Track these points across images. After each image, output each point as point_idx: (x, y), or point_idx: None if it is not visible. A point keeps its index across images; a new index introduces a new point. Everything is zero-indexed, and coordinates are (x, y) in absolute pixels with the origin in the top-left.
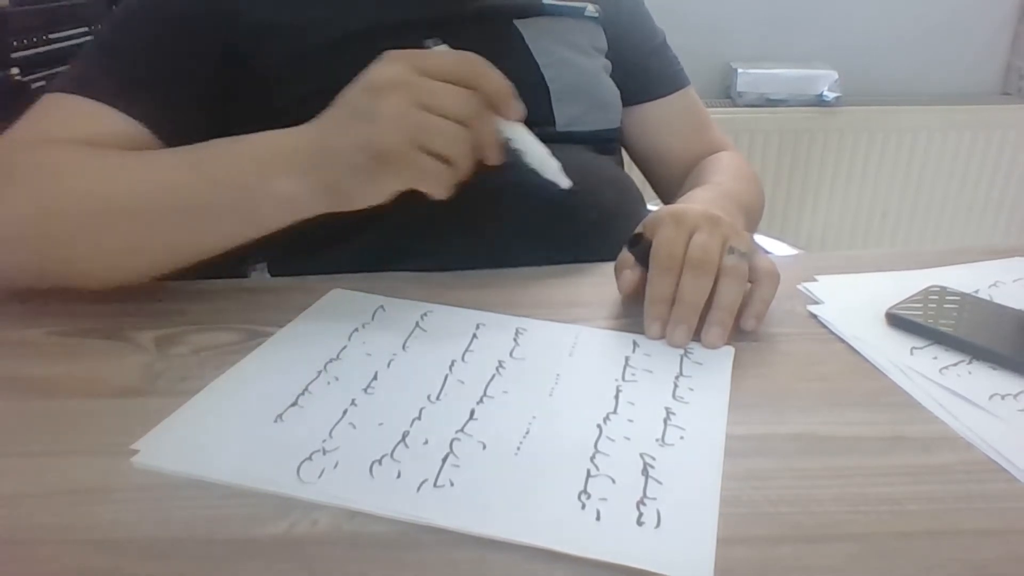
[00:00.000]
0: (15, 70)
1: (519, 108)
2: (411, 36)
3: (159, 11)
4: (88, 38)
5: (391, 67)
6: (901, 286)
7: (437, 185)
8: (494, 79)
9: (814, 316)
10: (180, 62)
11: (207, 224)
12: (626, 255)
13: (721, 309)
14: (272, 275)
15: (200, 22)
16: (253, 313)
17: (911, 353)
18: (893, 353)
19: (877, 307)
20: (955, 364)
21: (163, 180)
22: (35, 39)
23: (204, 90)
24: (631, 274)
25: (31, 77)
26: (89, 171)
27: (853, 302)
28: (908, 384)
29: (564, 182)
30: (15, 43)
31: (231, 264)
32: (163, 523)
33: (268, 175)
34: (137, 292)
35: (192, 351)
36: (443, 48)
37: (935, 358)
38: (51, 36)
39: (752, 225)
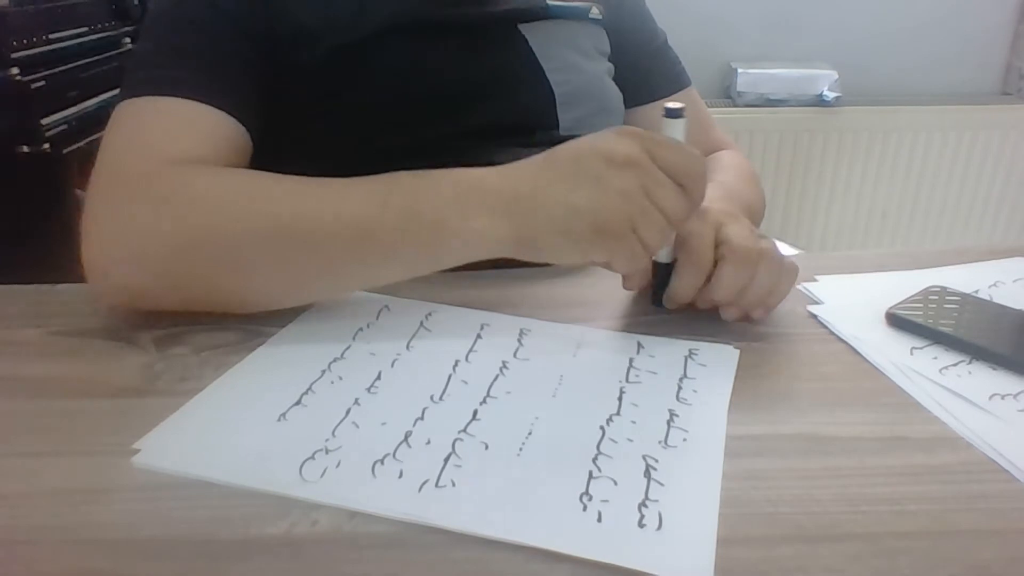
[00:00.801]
0: (15, 70)
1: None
2: (419, 39)
3: (205, 8)
4: (89, 38)
5: (630, 144)
6: (901, 286)
7: (630, 267)
8: (703, 189)
9: (814, 316)
10: (241, 56)
11: (390, 256)
12: None
13: (762, 288)
14: None
15: (243, 17)
16: (253, 313)
17: (911, 353)
18: (893, 353)
19: (877, 307)
20: (955, 364)
21: (350, 210)
22: (35, 39)
23: (264, 83)
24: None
25: (31, 77)
26: (267, 196)
27: (853, 302)
28: (908, 384)
29: None
30: (15, 43)
31: None
32: (163, 523)
33: (467, 213)
34: None
35: (192, 351)
36: (682, 123)
37: (935, 358)
38: (51, 36)
39: (755, 225)
